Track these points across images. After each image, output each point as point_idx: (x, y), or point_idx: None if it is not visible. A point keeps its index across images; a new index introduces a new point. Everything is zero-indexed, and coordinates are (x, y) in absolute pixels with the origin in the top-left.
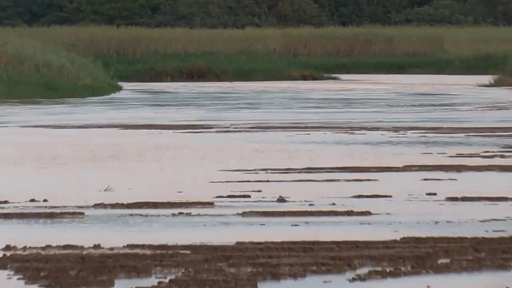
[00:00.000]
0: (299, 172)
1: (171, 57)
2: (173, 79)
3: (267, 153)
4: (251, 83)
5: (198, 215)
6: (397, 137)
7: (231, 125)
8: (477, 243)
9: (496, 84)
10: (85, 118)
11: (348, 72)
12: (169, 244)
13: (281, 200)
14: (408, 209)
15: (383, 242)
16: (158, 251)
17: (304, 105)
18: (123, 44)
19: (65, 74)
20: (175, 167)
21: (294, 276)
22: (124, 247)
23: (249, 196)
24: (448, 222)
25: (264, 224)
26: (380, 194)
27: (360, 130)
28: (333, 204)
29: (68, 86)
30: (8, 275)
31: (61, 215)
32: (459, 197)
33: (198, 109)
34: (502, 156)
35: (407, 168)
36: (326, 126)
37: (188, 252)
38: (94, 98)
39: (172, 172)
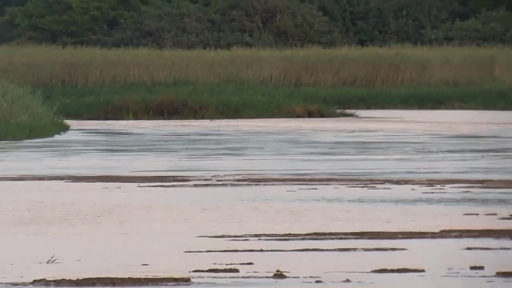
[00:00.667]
0: (303, 239)
1: (134, 87)
2: (137, 116)
3: (261, 214)
4: (240, 121)
5: None
6: (432, 192)
7: (213, 176)
8: None
9: None
10: (21, 167)
11: (368, 107)
12: None
13: (279, 275)
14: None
15: None
16: None
17: (309, 151)
18: (70, 70)
19: None
20: (140, 233)
21: None
22: None
23: (237, 271)
24: None
25: None
26: (410, 268)
27: (384, 183)
28: (347, 280)
29: None
30: None
31: None
32: None
33: (170, 156)
34: None
35: (445, 234)
36: (338, 179)
37: None
38: (32, 141)
39: (136, 238)
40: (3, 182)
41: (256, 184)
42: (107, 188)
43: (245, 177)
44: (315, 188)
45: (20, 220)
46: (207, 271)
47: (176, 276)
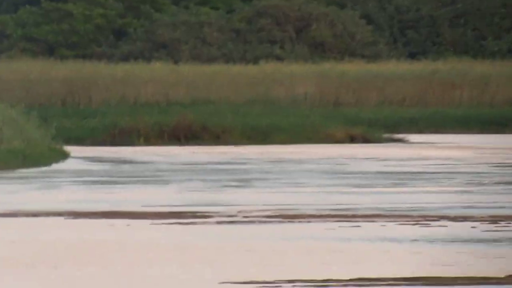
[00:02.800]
0: (345, 285)
1: (145, 108)
2: (149, 142)
3: (295, 256)
4: (269, 147)
5: None
6: (496, 230)
7: (238, 212)
8: None
9: None
10: (13, 200)
11: (419, 131)
12: None
13: None
14: None
15: None
16: None
17: (351, 182)
18: (71, 88)
19: None
20: (154, 277)
21: None
22: None
23: None
24: None
25: None
26: None
27: (439, 220)
28: None
29: None
30: None
31: None
32: None
33: (188, 189)
34: None
35: None
36: (385, 215)
37: None
38: (26, 170)
39: (149, 285)
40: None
41: (289, 221)
42: (114, 225)
43: (276, 212)
44: (358, 226)
45: (18, 262)
46: None
47: None
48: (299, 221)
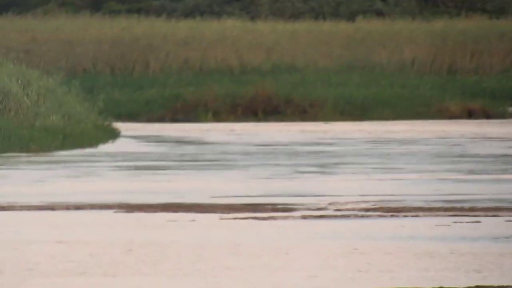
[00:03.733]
0: None
1: (214, 76)
2: (219, 117)
3: (401, 259)
4: (369, 124)
5: None
6: None
7: (329, 204)
8: None
9: None
10: (52, 190)
11: None
12: None
13: None
14: None
15: None
16: None
17: (469, 168)
18: (122, 51)
19: (12, 107)
20: (227, 285)
21: None
22: None
23: None
24: None
25: None
26: None
27: None
28: None
29: (17, 130)
30: None
31: None
32: None
33: (266, 176)
34: None
35: None
36: (511, 208)
37: None
38: (67, 152)
39: None
40: (29, 213)
41: (392, 216)
42: (176, 221)
43: (375, 205)
44: (478, 221)
45: (69, 270)
46: None
47: None
48: (404, 216)
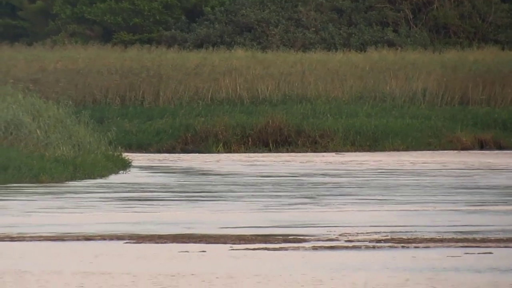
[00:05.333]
0: None
1: (225, 107)
2: (229, 148)
3: None
4: (379, 155)
5: None
6: None
7: (340, 235)
8: None
9: None
10: (62, 221)
11: None
12: None
13: None
14: None
15: None
16: None
17: (480, 199)
18: (133, 81)
19: (21, 138)
20: None
21: None
22: None
23: None
24: None
25: None
26: None
27: None
28: None
29: (27, 160)
30: None
31: None
32: None
33: (277, 206)
34: None
35: None
36: None
37: None
38: (77, 183)
39: None
40: (37, 244)
41: (403, 247)
42: (187, 252)
43: (386, 236)
44: (490, 253)
45: None
46: None
47: None
48: (415, 247)
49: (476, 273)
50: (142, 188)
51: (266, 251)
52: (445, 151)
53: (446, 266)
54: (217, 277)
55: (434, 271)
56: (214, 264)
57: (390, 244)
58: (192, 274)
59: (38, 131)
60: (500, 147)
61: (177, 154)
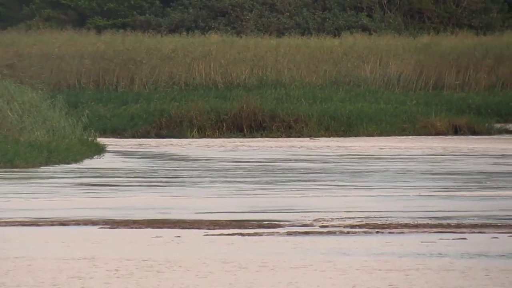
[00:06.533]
0: None
1: (199, 91)
2: (203, 133)
3: (389, 278)
4: (353, 140)
5: None
6: None
7: (314, 221)
8: None
9: None
10: (36, 206)
11: None
12: None
13: None
14: None
15: None
16: None
17: (455, 185)
18: (107, 66)
19: None
20: None
21: None
22: None
23: None
24: None
25: None
26: None
27: None
28: None
29: (1, 145)
30: None
31: None
32: None
33: (251, 192)
34: None
35: None
36: (496, 224)
37: None
38: (51, 168)
39: None
40: (11, 229)
41: (378, 232)
42: (161, 237)
43: (361, 221)
44: (464, 238)
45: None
46: None
47: None
48: (390, 232)
49: (450, 258)
50: (116, 173)
51: (240, 236)
52: (419, 136)
53: (420, 252)
54: (192, 263)
55: (408, 256)
56: (189, 249)
57: (364, 229)
58: (167, 260)
59: (11, 115)
60: (474, 132)
61: (151, 139)
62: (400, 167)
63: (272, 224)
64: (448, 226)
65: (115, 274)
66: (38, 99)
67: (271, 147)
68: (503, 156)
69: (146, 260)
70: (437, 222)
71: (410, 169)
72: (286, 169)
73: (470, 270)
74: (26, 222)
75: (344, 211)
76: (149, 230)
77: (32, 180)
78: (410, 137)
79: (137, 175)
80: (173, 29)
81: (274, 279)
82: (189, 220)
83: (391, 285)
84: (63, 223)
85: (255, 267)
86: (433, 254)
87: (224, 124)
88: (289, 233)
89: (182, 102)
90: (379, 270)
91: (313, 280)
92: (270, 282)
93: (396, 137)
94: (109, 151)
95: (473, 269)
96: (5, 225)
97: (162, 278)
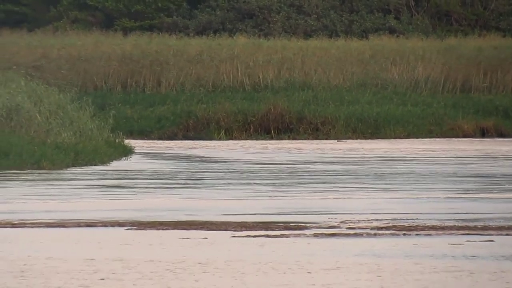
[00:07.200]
0: None
1: (226, 93)
2: (231, 135)
3: (415, 278)
4: (381, 142)
5: None
6: None
7: (341, 223)
8: None
9: None
10: (63, 208)
11: None
12: None
13: None
14: None
15: None
16: None
17: (482, 187)
18: (134, 68)
19: (23, 124)
20: None
21: None
22: None
23: None
24: None
25: None
26: None
27: None
28: None
29: (28, 146)
30: None
31: None
32: None
33: (278, 193)
34: None
35: None
36: None
37: None
38: (78, 169)
39: None
40: (38, 230)
41: (405, 234)
42: (188, 239)
43: (387, 223)
44: (491, 240)
45: (67, 285)
46: None
47: None
48: (417, 234)
49: (477, 260)
50: (144, 175)
51: (267, 238)
52: (447, 139)
53: (447, 254)
54: (219, 264)
55: (435, 258)
56: (216, 251)
57: (391, 231)
58: (194, 261)
59: (39, 117)
60: (501, 135)
61: (178, 141)
62: (426, 169)
63: (298, 226)
64: (475, 228)
65: (147, 276)
66: (65, 101)
67: (298, 149)
68: None
69: (178, 262)
70: (464, 224)
71: (436, 171)
72: (313, 171)
73: (497, 273)
74: (52, 223)
75: (371, 213)
76: (176, 231)
77: (59, 182)
78: (437, 139)
79: (163, 177)
80: (200, 31)
81: (308, 280)
82: (216, 221)
83: (416, 286)
84: (90, 224)
85: (288, 268)
86: (460, 256)
87: (252, 126)
88: (315, 235)
89: (209, 104)
90: (411, 272)
91: (347, 282)
92: (304, 284)
93: (423, 139)
94: (136, 153)
95: (500, 271)
96: (32, 227)
97: (195, 279)
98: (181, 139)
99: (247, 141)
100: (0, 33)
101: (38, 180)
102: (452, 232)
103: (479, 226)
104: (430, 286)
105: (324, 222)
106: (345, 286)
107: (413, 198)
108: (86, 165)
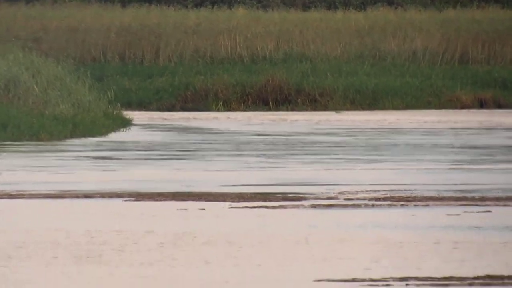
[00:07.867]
0: (470, 284)
1: (224, 65)
2: (229, 106)
3: (410, 249)
4: (378, 114)
5: None
6: None
7: (339, 194)
8: None
9: None
10: (61, 179)
11: None
12: None
13: None
14: None
15: None
16: None
17: (480, 158)
18: (132, 40)
19: (21, 96)
20: (236, 274)
21: None
22: None
23: None
24: None
25: None
26: None
27: None
28: None
29: (26, 118)
30: None
31: None
32: None
33: (276, 165)
34: None
35: None
36: None
37: None
38: (76, 141)
39: (229, 283)
40: (37, 201)
41: (402, 205)
42: (186, 210)
43: (385, 194)
44: (489, 211)
45: (67, 256)
46: None
47: None
48: (415, 205)
49: (474, 231)
50: (142, 146)
51: (265, 209)
52: (445, 110)
53: (445, 225)
54: (218, 235)
55: (433, 229)
56: (214, 222)
57: (389, 202)
58: (192, 232)
59: (36, 88)
60: (499, 106)
61: (176, 112)
62: (425, 141)
63: (296, 197)
64: (473, 199)
65: (146, 246)
66: (63, 73)
67: (296, 120)
68: None
69: (177, 233)
70: (461, 195)
71: (434, 143)
72: (311, 142)
73: (494, 243)
74: (51, 194)
75: (369, 184)
76: (174, 202)
77: (56, 153)
78: (435, 110)
79: (161, 149)
80: (199, 3)
81: (310, 252)
82: (214, 193)
83: (413, 257)
84: (88, 195)
85: (288, 240)
86: (458, 227)
87: (250, 98)
88: (314, 206)
89: (207, 75)
90: (402, 242)
91: (350, 252)
92: (306, 255)
93: (422, 110)
94: (135, 124)
95: (497, 241)
96: (30, 198)
97: (195, 250)
98: (179, 111)
99: (245, 112)
100: None
101: (36, 151)
102: (450, 203)
103: (476, 197)
104: (436, 257)
105: (322, 193)
106: (351, 258)
107: (411, 169)
108: (84, 136)
